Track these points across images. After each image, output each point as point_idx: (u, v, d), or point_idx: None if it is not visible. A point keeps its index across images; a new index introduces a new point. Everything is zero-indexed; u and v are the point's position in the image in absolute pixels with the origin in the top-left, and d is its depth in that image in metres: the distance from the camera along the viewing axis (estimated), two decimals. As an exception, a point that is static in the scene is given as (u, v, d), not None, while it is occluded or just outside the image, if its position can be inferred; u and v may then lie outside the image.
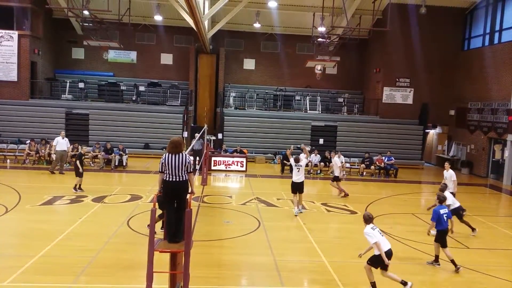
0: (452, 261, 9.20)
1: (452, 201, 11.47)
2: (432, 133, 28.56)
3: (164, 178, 6.50)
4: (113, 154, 20.44)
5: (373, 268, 7.89)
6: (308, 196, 16.41)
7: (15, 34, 24.17)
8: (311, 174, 21.14)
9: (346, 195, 16.09)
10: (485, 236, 12.18)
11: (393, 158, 22.13)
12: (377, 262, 7.82)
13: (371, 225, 7.93)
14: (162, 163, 6.50)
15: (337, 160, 16.40)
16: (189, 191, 6.62)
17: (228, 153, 22.53)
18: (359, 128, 25.67)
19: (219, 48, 28.55)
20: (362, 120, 26.41)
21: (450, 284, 8.65)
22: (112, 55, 28.44)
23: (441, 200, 9.76)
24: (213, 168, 20.80)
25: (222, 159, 21.28)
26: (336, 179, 16.13)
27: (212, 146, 22.62)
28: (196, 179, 17.55)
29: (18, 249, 9.62)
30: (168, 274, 6.55)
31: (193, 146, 18.32)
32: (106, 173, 19.36)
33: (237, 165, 21.19)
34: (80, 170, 14.63)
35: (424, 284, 8.59)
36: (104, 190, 15.44)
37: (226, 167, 21.18)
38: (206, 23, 22.39)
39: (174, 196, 6.52)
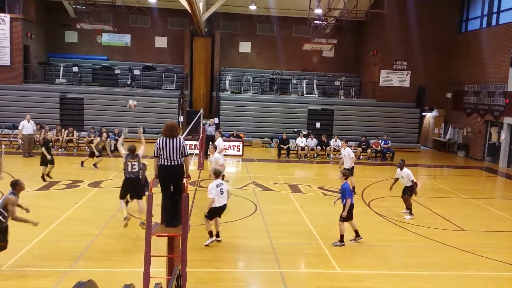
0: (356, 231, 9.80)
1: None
2: (429, 116, 28.56)
3: (160, 163, 6.45)
4: (108, 139, 20.30)
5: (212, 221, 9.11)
6: (305, 179, 16.51)
7: (7, 17, 23.76)
8: (308, 158, 21.15)
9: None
10: (480, 218, 12.30)
11: (389, 142, 22.14)
12: (212, 213, 8.96)
13: (217, 181, 8.96)
14: (157, 148, 6.43)
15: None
16: (185, 175, 6.58)
17: (224, 137, 22.42)
18: (356, 112, 25.59)
19: (215, 31, 28.22)
20: (359, 104, 26.33)
21: (445, 265, 8.72)
22: (106, 39, 28.05)
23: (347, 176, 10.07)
24: (209, 152, 20.71)
25: (218, 143, 21.20)
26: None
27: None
28: (192, 164, 17.52)
29: (15, 234, 9.54)
30: (166, 258, 6.56)
31: (206, 131, 18.37)
32: (102, 158, 19.22)
33: (233, 149, 21.15)
34: (48, 157, 14.05)
35: (420, 265, 8.67)
36: (101, 175, 15.40)
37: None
38: (200, 5, 22.10)
39: (170, 180, 6.48)
